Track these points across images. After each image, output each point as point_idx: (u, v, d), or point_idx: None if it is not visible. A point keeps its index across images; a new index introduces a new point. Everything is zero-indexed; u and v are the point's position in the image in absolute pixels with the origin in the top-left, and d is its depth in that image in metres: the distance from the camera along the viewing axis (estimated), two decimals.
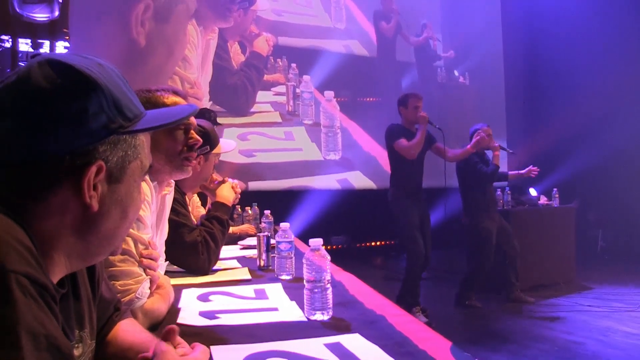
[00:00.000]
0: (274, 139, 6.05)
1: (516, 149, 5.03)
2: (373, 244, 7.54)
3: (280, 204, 4.66)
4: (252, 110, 6.06)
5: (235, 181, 2.41)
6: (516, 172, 5.17)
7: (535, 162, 4.94)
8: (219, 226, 2.09)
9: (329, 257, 1.42)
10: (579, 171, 6.81)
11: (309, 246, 1.44)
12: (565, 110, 7.45)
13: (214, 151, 2.24)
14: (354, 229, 6.92)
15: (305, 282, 1.41)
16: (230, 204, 2.25)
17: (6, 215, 0.65)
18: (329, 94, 5.68)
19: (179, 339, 0.88)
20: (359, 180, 6.56)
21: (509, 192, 5.38)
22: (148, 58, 5.33)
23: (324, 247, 1.43)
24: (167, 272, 2.04)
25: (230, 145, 2.38)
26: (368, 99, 7.24)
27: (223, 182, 2.32)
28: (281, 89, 6.25)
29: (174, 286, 1.80)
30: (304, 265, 1.41)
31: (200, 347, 0.88)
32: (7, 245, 0.61)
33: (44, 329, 0.59)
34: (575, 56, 7.62)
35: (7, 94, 0.70)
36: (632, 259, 6.55)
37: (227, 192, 2.27)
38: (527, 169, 5.01)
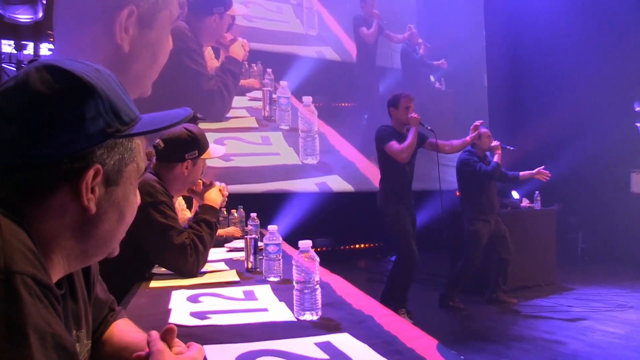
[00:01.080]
0: (251, 144, 6.03)
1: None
2: (357, 246, 7.60)
3: (264, 207, 4.67)
4: (227, 115, 6.06)
5: (223, 184, 2.42)
6: (527, 172, 5.05)
7: (517, 166, 5.01)
8: (207, 229, 2.10)
9: (318, 259, 1.44)
10: (560, 175, 6.90)
11: (298, 248, 1.46)
12: (546, 115, 7.59)
13: (203, 157, 2.25)
14: (338, 231, 6.96)
15: (294, 283, 1.43)
16: (218, 207, 2.26)
17: (8, 218, 0.66)
18: (307, 99, 5.64)
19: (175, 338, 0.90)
20: (338, 184, 6.61)
21: None
22: (132, 64, 5.32)
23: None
24: (155, 274, 2.05)
25: (219, 151, 2.39)
26: (344, 104, 7.28)
27: (211, 185, 2.33)
28: (256, 94, 6.23)
29: (162, 289, 1.82)
30: (294, 267, 1.44)
31: (195, 346, 0.90)
32: (12, 247, 0.62)
33: (50, 328, 0.61)
34: (556, 61, 7.78)
35: (6, 99, 0.71)
36: (611, 260, 6.70)
37: (215, 195, 2.28)
38: (537, 169, 4.96)
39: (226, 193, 2.36)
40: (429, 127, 4.25)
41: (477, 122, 4.45)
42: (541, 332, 4.05)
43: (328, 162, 6.54)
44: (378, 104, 7.28)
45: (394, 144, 4.18)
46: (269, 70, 6.14)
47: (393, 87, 7.11)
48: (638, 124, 7.18)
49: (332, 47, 7.13)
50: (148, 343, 0.83)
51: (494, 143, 4.85)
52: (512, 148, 5.01)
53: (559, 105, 7.52)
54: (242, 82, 6.18)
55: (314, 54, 6.93)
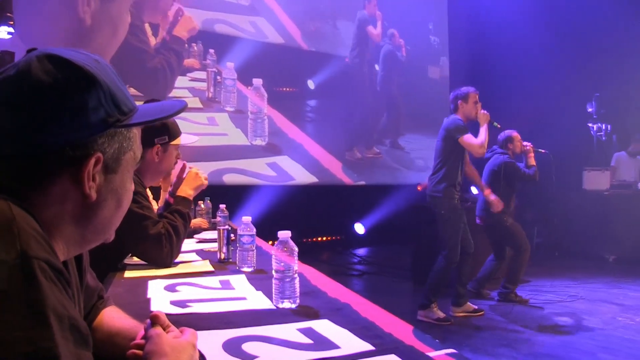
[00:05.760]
0: (197, 124, 5.85)
1: None
2: (319, 239, 7.66)
3: (228, 199, 4.65)
4: (169, 95, 5.89)
5: (202, 171, 2.40)
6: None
7: (475, 163, 5.15)
8: (181, 219, 2.11)
9: (296, 248, 1.48)
10: None
11: (269, 240, 1.49)
12: (504, 113, 7.76)
13: (173, 142, 2.24)
14: (300, 224, 6.99)
15: (274, 272, 1.47)
16: (191, 198, 2.27)
17: (17, 205, 0.68)
18: (257, 81, 5.57)
19: (168, 322, 0.93)
20: (288, 164, 6.64)
21: None
22: (93, 37, 5.25)
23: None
24: (128, 265, 2.05)
25: (190, 139, 2.39)
26: (285, 89, 7.24)
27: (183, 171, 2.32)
28: (198, 74, 6.11)
29: (138, 279, 1.83)
30: (273, 256, 1.47)
31: (189, 331, 0.93)
32: (26, 233, 0.63)
33: (66, 311, 0.63)
34: (515, 60, 8.02)
35: (8, 87, 0.72)
36: (564, 254, 6.99)
37: (187, 186, 2.28)
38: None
39: (206, 182, 2.36)
40: (499, 125, 4.31)
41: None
42: (499, 321, 4.22)
43: (276, 143, 6.56)
44: (371, 98, 7.62)
45: (472, 137, 4.10)
46: (212, 51, 6.03)
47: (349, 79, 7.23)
48: (590, 124, 7.51)
49: (265, 18, 7.01)
50: (145, 329, 0.85)
51: (525, 144, 5.02)
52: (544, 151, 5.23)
53: (516, 104, 7.75)
54: (184, 62, 6.07)
55: (249, 25, 6.82)
